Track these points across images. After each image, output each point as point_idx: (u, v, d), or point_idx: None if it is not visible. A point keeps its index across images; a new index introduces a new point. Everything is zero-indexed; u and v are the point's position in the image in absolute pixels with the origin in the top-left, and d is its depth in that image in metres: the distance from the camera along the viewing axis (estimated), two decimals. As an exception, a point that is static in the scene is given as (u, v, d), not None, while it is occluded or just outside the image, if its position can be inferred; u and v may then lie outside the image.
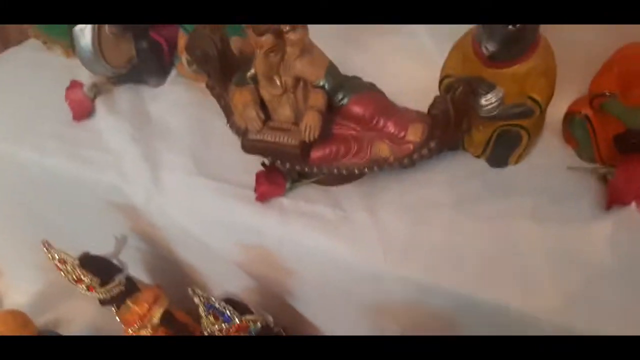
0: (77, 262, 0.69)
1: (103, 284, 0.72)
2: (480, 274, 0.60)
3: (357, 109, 0.62)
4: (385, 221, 0.65)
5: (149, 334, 0.78)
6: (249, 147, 0.64)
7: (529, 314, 0.57)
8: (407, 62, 0.77)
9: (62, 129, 0.82)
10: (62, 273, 0.71)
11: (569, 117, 0.65)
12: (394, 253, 0.63)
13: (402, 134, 0.62)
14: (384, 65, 0.76)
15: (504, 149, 0.65)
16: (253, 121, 0.62)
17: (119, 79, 0.85)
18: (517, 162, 0.66)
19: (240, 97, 0.63)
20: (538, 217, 0.62)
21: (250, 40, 0.58)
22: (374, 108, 0.62)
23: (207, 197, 0.71)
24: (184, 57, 0.79)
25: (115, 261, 0.75)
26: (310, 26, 0.58)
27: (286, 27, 0.56)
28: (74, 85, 0.83)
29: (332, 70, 0.61)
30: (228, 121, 0.68)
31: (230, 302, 0.68)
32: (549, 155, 0.67)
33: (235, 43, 0.69)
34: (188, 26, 0.77)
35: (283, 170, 0.68)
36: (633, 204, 0.61)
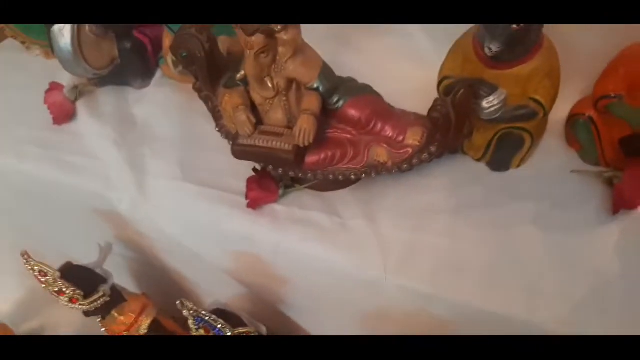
0: (58, 274, 0.67)
1: (87, 295, 0.70)
2: (483, 283, 0.58)
3: (353, 112, 0.59)
4: (383, 228, 0.63)
5: (136, 345, 0.75)
6: (240, 152, 0.61)
7: (534, 324, 0.55)
8: (402, 63, 0.75)
9: (42, 134, 0.80)
10: (43, 285, 0.68)
11: (573, 120, 0.63)
12: (393, 261, 0.61)
13: (401, 137, 0.59)
14: (379, 66, 0.73)
15: (505, 152, 0.63)
16: (244, 125, 0.60)
17: (101, 81, 0.82)
18: (519, 165, 0.64)
19: (230, 100, 0.60)
20: (542, 223, 0.61)
21: (240, 40, 0.55)
22: (371, 111, 0.59)
23: (196, 204, 0.69)
24: (169, 58, 0.76)
25: (99, 271, 0.73)
26: (302, 26, 0.56)
27: (278, 27, 0.53)
28: (54, 87, 0.80)
29: (326, 71, 0.58)
30: (217, 125, 0.65)
31: (221, 313, 0.66)
32: (552, 158, 0.65)
33: (223, 43, 0.66)
34: (173, 25, 0.74)
35: (275, 175, 0.66)
36: (640, 209, 0.59)
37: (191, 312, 0.63)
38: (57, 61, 0.77)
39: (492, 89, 0.56)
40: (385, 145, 0.60)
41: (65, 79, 0.81)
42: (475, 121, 0.60)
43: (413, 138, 0.59)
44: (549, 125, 0.65)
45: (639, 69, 0.57)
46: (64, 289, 0.68)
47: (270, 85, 0.58)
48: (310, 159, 0.61)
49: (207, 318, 0.63)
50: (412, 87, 0.69)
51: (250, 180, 0.66)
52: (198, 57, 0.60)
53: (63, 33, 0.72)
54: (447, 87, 0.59)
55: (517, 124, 0.59)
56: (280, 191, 0.66)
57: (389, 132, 0.60)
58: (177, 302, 0.62)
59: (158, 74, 0.83)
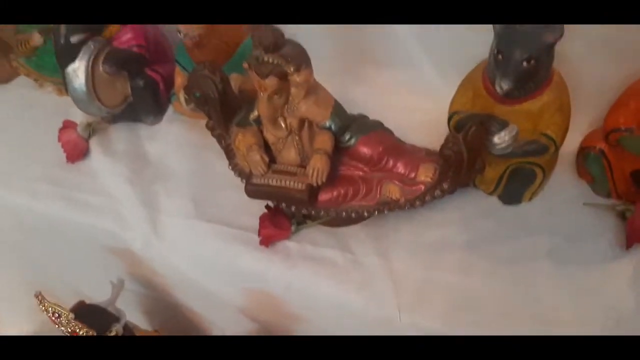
0: (72, 315, 0.66)
1: (99, 334, 0.69)
2: (498, 319, 0.57)
3: (365, 150, 0.60)
4: (396, 264, 0.63)
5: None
6: (254, 192, 0.61)
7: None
8: (411, 96, 0.75)
9: (55, 171, 0.79)
10: (57, 326, 0.68)
11: (584, 152, 0.63)
12: (407, 298, 0.61)
13: (413, 174, 0.60)
14: (388, 100, 0.74)
15: (517, 186, 0.63)
16: (257, 165, 0.60)
17: (114, 118, 0.82)
18: (530, 199, 0.64)
19: (243, 140, 0.61)
20: (555, 257, 0.60)
21: (254, 82, 0.56)
22: (383, 148, 0.60)
23: (209, 241, 0.69)
24: (181, 95, 0.76)
25: (111, 309, 0.72)
26: (311, 62, 0.56)
27: (290, 69, 0.54)
28: (67, 125, 0.81)
29: (338, 110, 0.59)
30: (230, 163, 0.65)
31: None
32: (563, 191, 0.65)
33: (234, 81, 0.67)
34: (184, 63, 0.75)
35: (288, 212, 0.66)
36: (654, 244, 0.59)
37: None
38: (70, 98, 0.78)
39: (503, 125, 0.55)
40: (397, 182, 0.60)
41: (79, 116, 0.81)
42: (487, 155, 0.60)
43: (425, 174, 0.59)
44: (560, 157, 0.65)
45: (649, 102, 0.57)
46: (78, 330, 0.67)
47: (283, 125, 0.59)
48: (323, 196, 0.61)
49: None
50: (422, 120, 0.69)
51: (263, 218, 0.66)
52: (211, 98, 0.61)
53: (77, 73, 0.73)
54: (457, 122, 0.59)
55: (528, 159, 0.60)
56: (293, 227, 0.66)
57: (401, 168, 0.60)
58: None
59: (170, 110, 0.83)
